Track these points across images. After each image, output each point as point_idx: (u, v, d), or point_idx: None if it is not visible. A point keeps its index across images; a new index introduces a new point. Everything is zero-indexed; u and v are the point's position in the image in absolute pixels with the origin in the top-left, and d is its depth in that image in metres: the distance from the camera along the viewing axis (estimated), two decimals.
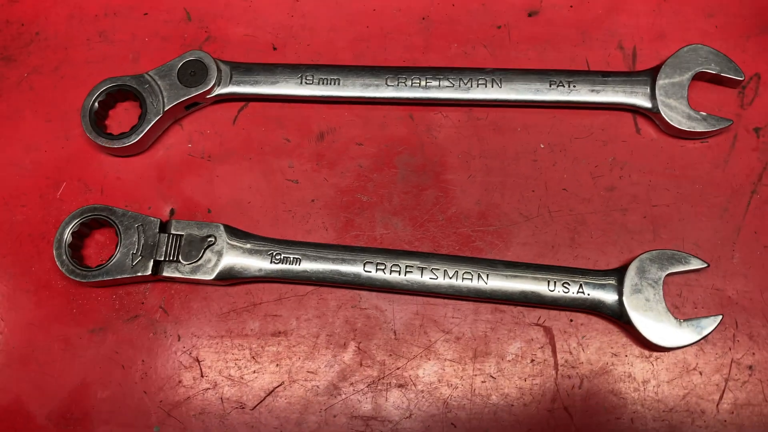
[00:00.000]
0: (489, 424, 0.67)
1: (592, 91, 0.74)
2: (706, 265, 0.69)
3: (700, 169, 0.74)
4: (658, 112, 0.73)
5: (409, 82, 0.76)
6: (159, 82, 0.76)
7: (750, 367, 0.68)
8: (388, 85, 0.76)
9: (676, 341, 0.66)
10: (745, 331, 0.69)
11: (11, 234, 0.76)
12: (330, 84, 0.77)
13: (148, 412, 0.70)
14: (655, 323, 0.67)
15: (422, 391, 0.69)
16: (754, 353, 0.68)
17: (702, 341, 0.68)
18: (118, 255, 0.71)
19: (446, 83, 0.76)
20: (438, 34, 0.80)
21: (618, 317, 0.68)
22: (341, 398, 0.69)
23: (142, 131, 0.75)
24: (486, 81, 0.75)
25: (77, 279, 0.71)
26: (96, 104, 0.76)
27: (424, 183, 0.75)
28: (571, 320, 0.70)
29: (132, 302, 0.73)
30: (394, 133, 0.77)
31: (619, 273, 0.69)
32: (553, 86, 0.75)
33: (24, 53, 0.82)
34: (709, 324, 0.67)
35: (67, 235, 0.72)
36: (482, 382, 0.69)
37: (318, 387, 0.69)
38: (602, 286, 0.68)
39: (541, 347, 0.69)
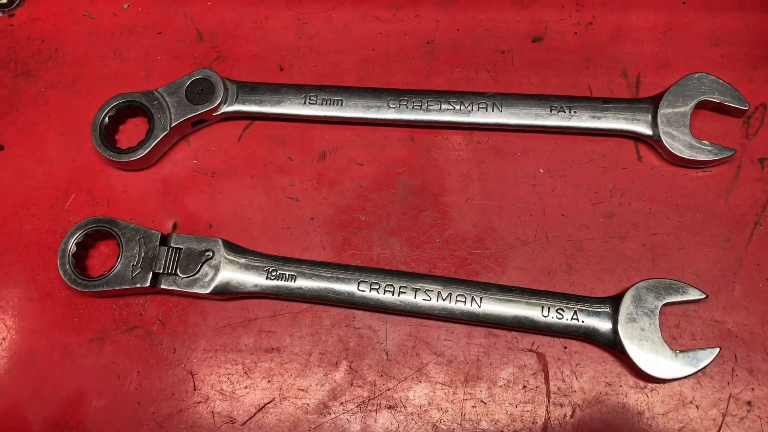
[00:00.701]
0: None
1: (593, 117, 0.74)
2: (704, 296, 0.67)
3: (702, 198, 0.73)
4: (659, 140, 0.73)
5: (410, 105, 0.77)
6: (167, 99, 0.79)
7: (749, 403, 0.66)
8: (389, 107, 0.77)
9: (672, 373, 0.65)
10: (745, 366, 0.67)
11: (19, 243, 0.78)
12: (333, 105, 0.78)
13: (141, 423, 0.70)
14: (649, 354, 0.65)
15: (412, 414, 0.68)
16: (753, 389, 0.66)
17: (699, 374, 0.66)
18: (119, 266, 0.73)
19: (447, 106, 0.76)
20: (442, 58, 0.81)
21: (612, 346, 0.67)
22: (330, 417, 0.69)
23: (148, 146, 0.77)
24: (487, 105, 0.76)
25: (79, 288, 0.72)
26: (106, 119, 0.79)
27: (422, 204, 0.76)
28: (566, 347, 0.69)
29: (131, 313, 0.74)
30: (395, 155, 0.78)
31: (615, 301, 0.68)
32: (554, 111, 0.75)
33: (42, 69, 0.85)
34: (707, 356, 0.65)
35: (71, 245, 0.74)
36: (473, 406, 0.68)
37: (308, 405, 0.70)
38: (597, 314, 0.68)
39: (534, 374, 0.69)
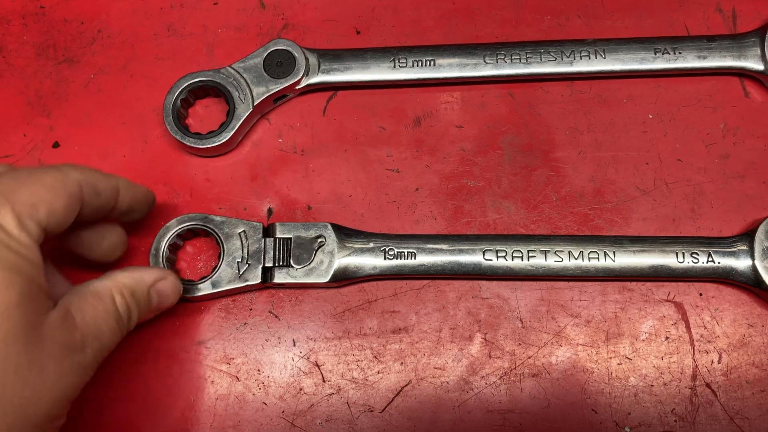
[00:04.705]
0: (630, 406, 0.65)
1: (699, 57, 0.72)
2: None
3: None
4: None
5: (508, 59, 0.73)
6: (245, 76, 0.72)
7: None
8: (486, 63, 0.73)
9: None
10: None
11: None
12: (425, 66, 0.73)
13: (270, 425, 0.66)
14: None
15: (558, 379, 0.66)
16: None
17: None
18: (222, 265, 0.67)
19: (548, 57, 0.72)
20: (529, 6, 0.77)
21: (753, 284, 0.66)
22: (474, 393, 0.66)
23: (233, 128, 0.71)
24: (589, 52, 0.72)
25: (181, 294, 0.66)
26: (178, 102, 0.71)
27: (532, 163, 0.72)
28: (701, 294, 0.68)
29: (239, 309, 0.69)
30: (495, 113, 0.74)
31: (748, 238, 0.67)
32: (658, 54, 0.72)
33: (87, 53, 0.77)
34: None
35: (164, 248, 0.67)
36: (618, 364, 0.66)
37: (448, 383, 0.67)
38: (732, 253, 0.66)
39: (674, 323, 0.67)
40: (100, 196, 0.56)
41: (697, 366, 0.66)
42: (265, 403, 0.67)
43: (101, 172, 0.58)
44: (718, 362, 0.66)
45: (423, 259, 0.68)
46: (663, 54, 0.72)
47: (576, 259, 0.67)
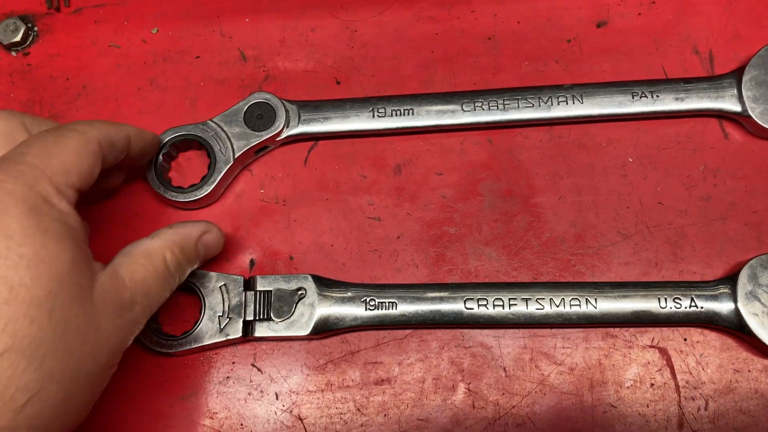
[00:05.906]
0: None
1: (677, 99, 0.72)
2: None
3: None
4: (748, 116, 0.71)
5: (486, 106, 0.73)
6: (225, 129, 0.73)
7: None
8: (464, 111, 0.73)
9: None
10: None
11: None
12: (404, 115, 0.74)
13: None
14: None
15: (542, 429, 0.66)
16: None
17: None
18: (204, 320, 0.67)
19: (526, 103, 0.73)
20: (506, 53, 0.77)
21: (737, 329, 0.65)
22: None
23: (214, 181, 0.71)
24: (567, 98, 0.73)
25: (164, 350, 0.67)
26: (161, 157, 0.72)
27: (513, 209, 0.72)
28: (685, 339, 0.67)
29: (222, 363, 0.69)
30: (475, 160, 0.74)
31: (730, 282, 0.66)
32: (636, 98, 0.72)
33: (72, 109, 0.78)
34: None
35: None
36: (603, 412, 0.66)
37: None
38: (715, 297, 0.66)
39: (659, 370, 0.67)
40: (116, 147, 0.60)
41: (683, 413, 0.65)
42: None
43: (112, 123, 0.61)
44: (705, 409, 0.65)
45: (404, 309, 0.68)
46: (641, 97, 0.72)
47: (557, 306, 0.67)
